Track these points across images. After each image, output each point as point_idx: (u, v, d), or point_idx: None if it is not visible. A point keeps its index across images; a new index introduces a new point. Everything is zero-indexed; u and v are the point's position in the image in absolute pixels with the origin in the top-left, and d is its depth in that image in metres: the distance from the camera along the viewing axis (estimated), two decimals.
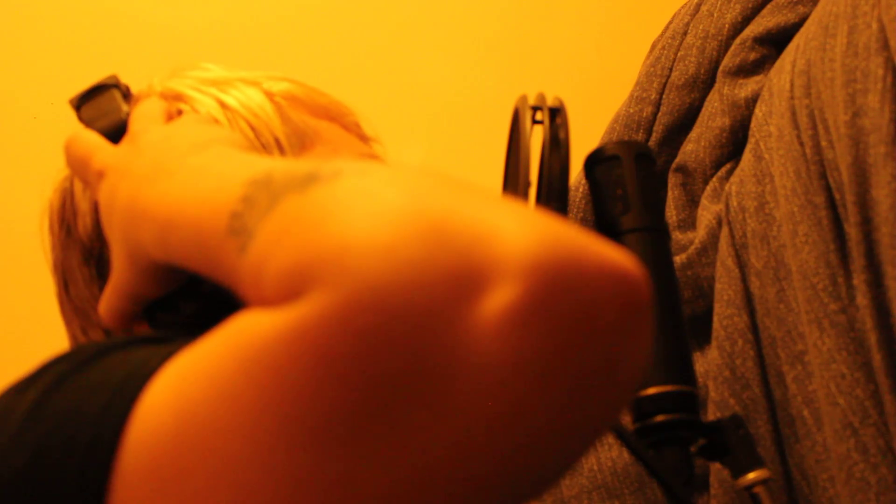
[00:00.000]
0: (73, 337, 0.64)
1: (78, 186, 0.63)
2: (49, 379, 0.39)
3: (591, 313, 0.30)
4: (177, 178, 0.46)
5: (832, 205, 0.69)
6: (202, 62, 0.68)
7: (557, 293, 0.30)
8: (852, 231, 0.66)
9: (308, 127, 0.64)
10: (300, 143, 0.63)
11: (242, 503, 0.31)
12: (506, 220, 0.32)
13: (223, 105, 0.62)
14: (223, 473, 0.31)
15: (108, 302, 0.54)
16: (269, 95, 0.64)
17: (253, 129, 0.61)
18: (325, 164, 0.35)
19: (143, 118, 0.57)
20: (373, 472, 0.30)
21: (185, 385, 0.33)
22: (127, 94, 0.62)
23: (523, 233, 0.31)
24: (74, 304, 0.63)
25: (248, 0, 1.53)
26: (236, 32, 1.48)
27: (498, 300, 0.30)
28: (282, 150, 0.61)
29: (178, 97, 0.63)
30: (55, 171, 0.66)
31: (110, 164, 0.53)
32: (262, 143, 0.61)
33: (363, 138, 0.69)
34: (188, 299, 0.51)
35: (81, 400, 0.37)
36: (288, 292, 0.31)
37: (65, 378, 0.39)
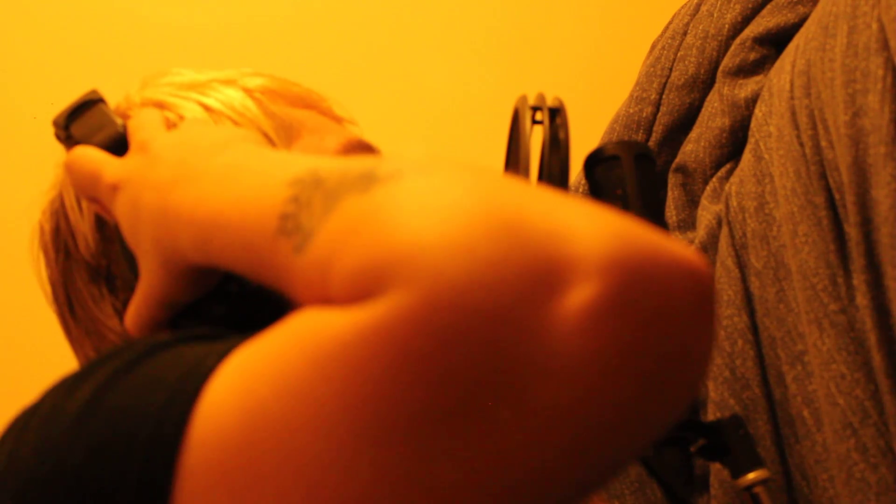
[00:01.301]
0: (84, 358, 0.63)
1: (71, 207, 0.62)
2: (101, 377, 0.38)
3: (667, 307, 0.31)
4: (209, 179, 0.46)
5: (832, 205, 0.69)
6: (173, 68, 0.67)
7: (635, 289, 0.31)
8: (852, 231, 0.66)
9: (292, 118, 0.64)
10: (287, 135, 0.63)
11: (320, 502, 0.31)
12: (577, 217, 0.32)
13: (207, 108, 0.62)
14: (299, 472, 0.31)
15: (138, 312, 0.53)
16: (249, 92, 0.64)
17: (239, 127, 0.61)
18: (381, 164, 0.36)
19: (147, 127, 0.56)
20: (453, 469, 0.30)
21: (251, 383, 0.33)
22: (109, 108, 0.61)
23: (597, 230, 0.32)
24: (84, 325, 0.63)
25: (247, 0, 1.53)
26: (236, 33, 1.49)
27: (577, 297, 0.30)
28: (272, 145, 0.61)
29: (160, 105, 0.62)
30: (55, 169, 0.65)
31: (125, 176, 0.52)
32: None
33: (339, 121, 0.69)
34: (217, 303, 0.51)
35: (138, 397, 0.37)
36: (360, 292, 0.31)
37: (118, 375, 0.38)
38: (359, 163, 0.37)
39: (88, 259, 0.61)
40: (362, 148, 0.65)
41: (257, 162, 0.45)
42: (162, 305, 0.52)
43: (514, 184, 0.34)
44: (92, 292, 0.62)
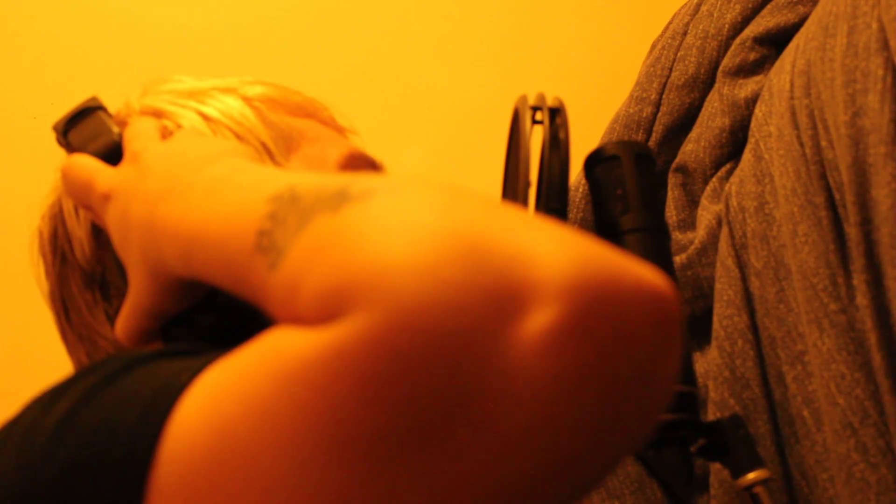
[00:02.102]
0: (78, 363, 0.63)
1: (69, 212, 0.62)
2: (77, 392, 0.39)
3: (629, 331, 0.31)
4: (196, 193, 0.46)
5: (832, 205, 0.69)
6: (173, 73, 0.67)
7: (596, 313, 0.31)
8: (852, 231, 0.65)
9: (291, 128, 0.64)
10: (286, 145, 0.62)
11: None
12: (541, 239, 0.32)
13: (205, 117, 0.62)
14: (263, 491, 0.31)
15: (127, 321, 0.53)
16: (248, 101, 0.64)
17: (238, 137, 0.61)
18: (355, 183, 0.36)
19: (140, 137, 0.56)
20: (416, 490, 0.30)
21: (220, 401, 0.34)
22: (109, 116, 0.61)
23: (559, 253, 0.32)
24: (78, 331, 0.63)
25: (247, 2, 1.53)
26: (236, 34, 1.48)
27: (538, 321, 0.30)
28: (270, 155, 0.61)
29: (159, 113, 0.62)
30: (56, 172, 0.65)
31: (116, 186, 0.52)
32: (250, 150, 0.60)
33: (340, 130, 0.69)
34: (205, 313, 0.51)
35: (112, 413, 0.37)
36: (325, 312, 0.32)
37: (94, 391, 0.38)
38: (335, 180, 0.37)
39: (84, 265, 0.62)
40: (363, 160, 0.65)
41: (242, 176, 0.45)
42: (150, 315, 0.52)
43: (483, 205, 0.34)
44: (86, 298, 0.62)
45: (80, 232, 0.62)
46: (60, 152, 0.63)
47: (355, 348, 0.30)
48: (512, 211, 0.34)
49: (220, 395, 0.34)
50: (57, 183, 0.65)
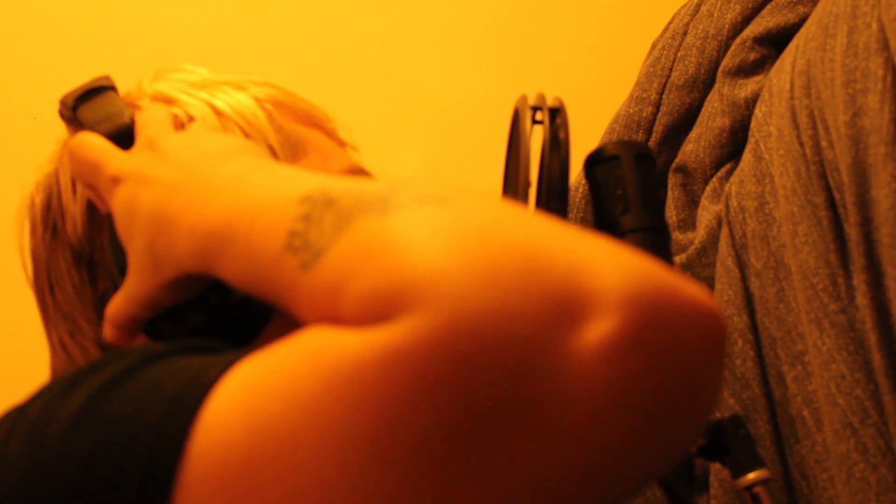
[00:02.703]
0: (58, 341, 0.62)
1: (66, 186, 0.61)
2: (95, 384, 0.38)
3: (683, 345, 0.32)
4: (215, 189, 0.45)
5: (832, 205, 0.69)
6: (185, 64, 0.67)
7: (653, 327, 0.31)
8: (852, 231, 0.65)
9: (299, 135, 0.63)
10: (292, 152, 0.62)
11: None
12: (598, 253, 0.33)
13: (216, 110, 0.61)
14: (303, 490, 0.31)
15: (120, 308, 0.52)
16: (259, 101, 0.63)
17: (246, 135, 0.60)
18: (400, 188, 0.36)
19: (155, 124, 0.55)
20: (462, 495, 0.30)
21: (258, 398, 0.33)
22: (119, 96, 0.61)
23: (616, 266, 0.32)
24: (62, 308, 0.62)
25: (247, 2, 1.53)
26: (236, 34, 1.49)
27: (596, 331, 0.31)
28: (276, 159, 0.60)
29: (169, 101, 0.62)
30: (54, 144, 0.64)
31: (127, 171, 0.52)
32: None
33: (341, 145, 0.68)
34: (196, 310, 0.51)
35: (136, 407, 0.36)
36: (375, 314, 0.32)
37: (113, 384, 0.38)
38: (374, 186, 0.37)
39: (74, 242, 0.61)
40: (362, 175, 0.65)
41: (264, 176, 0.45)
42: (146, 304, 0.51)
43: (535, 217, 0.35)
44: (73, 276, 0.61)
45: (74, 208, 0.61)
46: (61, 132, 0.63)
47: (411, 350, 0.30)
48: (563, 225, 0.35)
49: (259, 393, 0.33)
50: (56, 154, 0.64)
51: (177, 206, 0.47)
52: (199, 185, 0.46)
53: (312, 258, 0.36)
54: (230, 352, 0.37)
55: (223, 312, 0.50)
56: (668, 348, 0.31)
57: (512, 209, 0.35)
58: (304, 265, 0.36)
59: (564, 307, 0.31)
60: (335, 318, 0.33)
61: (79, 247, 0.61)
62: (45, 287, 0.63)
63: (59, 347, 0.62)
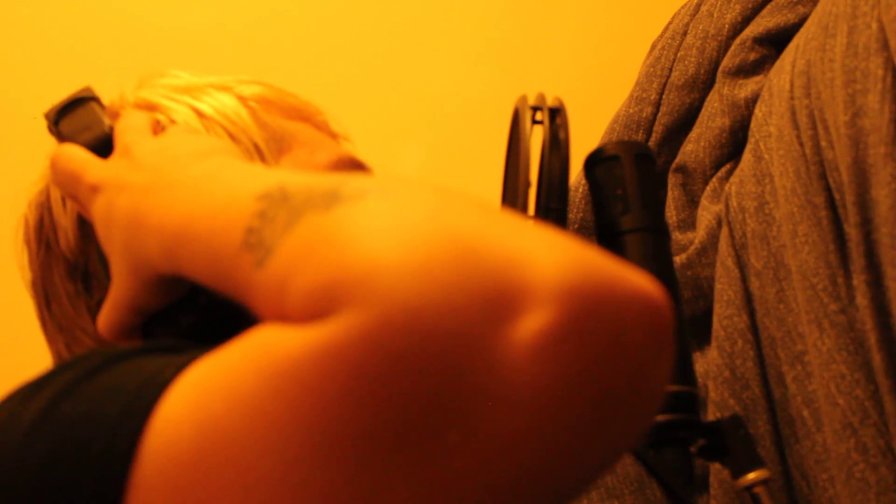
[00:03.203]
0: (57, 354, 0.63)
1: (56, 201, 0.62)
2: (58, 386, 0.38)
3: (621, 337, 0.31)
4: (182, 189, 0.46)
5: (832, 205, 0.69)
6: (170, 69, 0.67)
7: (589, 318, 0.31)
8: (852, 231, 0.65)
9: (284, 130, 0.63)
10: (278, 147, 0.62)
11: None
12: (535, 243, 0.32)
13: (199, 113, 0.62)
14: (250, 489, 0.31)
15: (108, 315, 0.53)
16: (243, 100, 0.64)
17: (230, 136, 0.61)
18: (347, 183, 0.36)
19: (132, 131, 0.56)
20: (403, 491, 0.30)
21: (205, 398, 0.33)
22: (102, 107, 0.61)
23: (553, 257, 0.32)
24: (58, 321, 0.62)
25: (247, 2, 1.53)
26: (236, 34, 1.49)
27: (531, 324, 0.30)
28: (261, 156, 0.61)
29: (152, 107, 0.62)
30: (44, 160, 0.65)
31: (104, 179, 0.52)
32: (241, 149, 0.60)
33: (333, 136, 0.68)
34: (186, 311, 0.51)
35: (94, 407, 0.37)
36: (315, 310, 0.31)
37: (75, 385, 0.38)
38: (326, 180, 0.37)
39: (67, 255, 0.61)
40: (353, 165, 0.65)
41: (230, 174, 0.45)
42: (131, 310, 0.52)
43: (475, 208, 0.34)
44: (68, 289, 0.62)
45: (65, 222, 0.61)
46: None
47: (346, 346, 0.30)
48: (505, 214, 0.35)
49: (206, 392, 0.34)
50: (45, 171, 0.64)
51: (147, 209, 0.47)
52: (167, 187, 0.47)
53: (264, 256, 0.36)
54: (195, 351, 0.37)
55: (214, 310, 0.50)
56: (606, 341, 0.31)
57: (454, 200, 0.35)
58: (257, 263, 0.36)
59: (497, 301, 0.30)
60: (285, 316, 0.33)
61: (72, 259, 0.61)
62: (43, 302, 0.64)
63: (58, 361, 0.63)
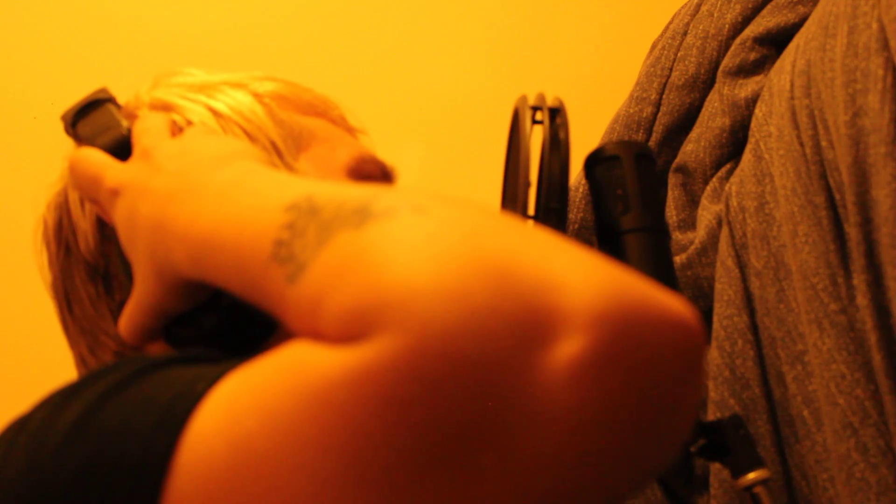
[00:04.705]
0: (79, 357, 0.63)
1: (74, 203, 0.62)
2: (91, 395, 0.38)
3: (656, 363, 0.31)
4: (208, 196, 0.45)
5: (832, 205, 0.69)
6: (184, 67, 0.67)
7: (624, 344, 0.31)
8: (852, 231, 0.65)
9: (302, 127, 0.63)
10: (296, 144, 0.62)
11: None
12: (570, 266, 0.32)
13: (215, 112, 0.61)
14: None
15: (130, 318, 0.53)
16: (258, 97, 0.63)
17: (247, 134, 0.60)
18: (377, 198, 0.36)
19: (150, 133, 0.56)
20: None
21: (238, 414, 0.33)
22: (118, 107, 0.61)
23: (588, 281, 0.32)
24: (80, 324, 0.62)
25: (248, 2, 1.53)
26: (237, 34, 1.48)
27: (566, 350, 0.30)
28: (279, 154, 0.60)
29: (168, 107, 0.62)
30: (55, 172, 0.65)
31: (125, 182, 0.52)
32: (259, 148, 0.59)
33: (350, 131, 0.68)
34: (208, 313, 0.51)
35: (127, 419, 0.36)
36: (349, 332, 0.31)
37: (108, 395, 0.38)
38: (355, 193, 0.37)
39: (87, 257, 0.61)
40: (373, 162, 0.65)
41: (255, 181, 0.44)
42: (154, 313, 0.52)
43: (510, 227, 0.34)
44: (89, 291, 0.61)
45: (85, 224, 0.61)
46: (62, 150, 0.63)
47: (380, 371, 0.30)
48: (540, 234, 0.34)
49: (239, 408, 0.34)
50: (63, 172, 0.64)
51: (172, 215, 0.47)
52: (192, 193, 0.47)
53: (297, 271, 0.36)
54: (225, 362, 0.37)
55: (236, 313, 0.50)
56: (640, 365, 0.31)
57: (489, 218, 0.35)
58: (289, 278, 0.36)
59: (533, 326, 0.30)
60: (318, 334, 0.33)
61: (92, 261, 0.61)
62: (64, 305, 0.63)
63: (80, 363, 0.63)
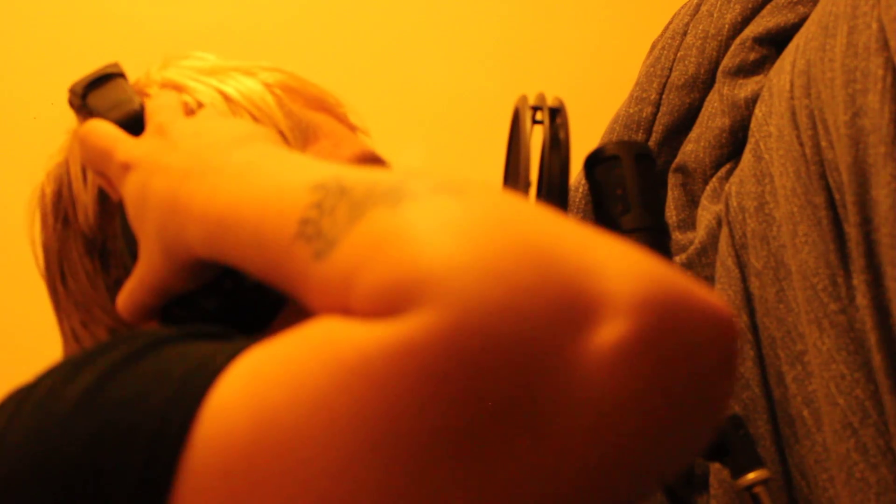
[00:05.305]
0: (70, 331, 0.62)
1: (76, 175, 0.61)
2: (102, 366, 0.38)
3: (695, 353, 0.32)
4: (226, 175, 0.45)
5: (832, 205, 0.69)
6: (195, 52, 0.67)
7: (666, 332, 0.31)
8: (852, 231, 0.65)
9: (309, 120, 0.63)
10: (303, 137, 0.62)
11: None
12: (612, 254, 0.32)
13: (225, 96, 0.61)
14: (305, 482, 0.31)
15: (131, 295, 0.52)
16: (268, 87, 0.63)
17: (256, 121, 0.60)
18: (413, 179, 0.35)
19: (165, 110, 0.55)
20: (465, 493, 0.30)
21: (264, 388, 0.33)
22: (129, 84, 0.60)
23: (630, 269, 0.32)
24: (74, 297, 0.61)
25: (248, 1, 1.53)
26: (237, 33, 1.48)
27: (608, 334, 0.30)
28: (287, 144, 0.60)
29: (179, 87, 0.61)
30: (64, 134, 0.64)
31: (138, 157, 0.51)
32: None
33: (352, 129, 0.68)
34: (209, 295, 0.51)
35: (142, 390, 0.36)
36: (386, 307, 0.31)
37: (120, 366, 0.38)
38: (387, 175, 0.37)
39: (86, 231, 0.60)
40: (374, 161, 0.64)
41: (276, 163, 0.44)
42: (157, 292, 0.51)
43: (549, 214, 0.34)
44: (86, 265, 0.61)
45: (85, 197, 0.60)
46: (63, 137, 0.63)
47: (420, 346, 0.30)
48: (577, 224, 0.34)
49: (265, 382, 0.33)
50: (65, 144, 0.64)
51: (187, 193, 0.46)
52: (209, 172, 0.46)
53: (326, 248, 0.35)
54: (239, 339, 0.37)
55: (237, 297, 0.50)
56: (679, 353, 0.31)
57: (525, 205, 0.35)
58: (316, 255, 0.36)
59: (575, 308, 0.30)
60: (346, 310, 0.33)
61: (91, 235, 0.61)
62: (58, 277, 0.63)
63: (70, 337, 0.62)
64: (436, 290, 0.30)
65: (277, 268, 0.39)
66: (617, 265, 0.32)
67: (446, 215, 0.33)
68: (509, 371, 0.30)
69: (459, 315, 0.30)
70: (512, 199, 0.35)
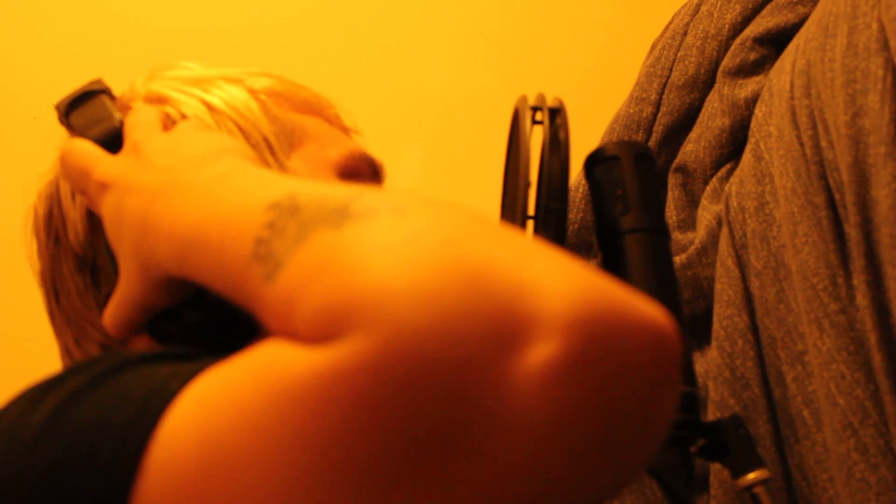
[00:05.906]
0: (64, 348, 0.63)
1: (65, 193, 0.62)
2: (65, 391, 0.38)
3: (630, 369, 0.31)
4: (193, 193, 0.45)
5: (832, 205, 0.69)
6: (181, 61, 0.67)
7: (598, 349, 0.30)
8: (852, 231, 0.66)
9: (295, 125, 0.63)
10: (289, 141, 0.62)
11: None
12: (546, 271, 0.32)
13: (209, 107, 0.61)
14: None
15: (115, 312, 0.53)
16: (253, 93, 0.63)
17: (241, 130, 0.60)
18: (357, 198, 0.35)
19: (141, 127, 0.56)
20: None
21: (210, 413, 0.33)
22: (113, 99, 0.61)
23: (563, 286, 0.31)
24: (67, 314, 0.62)
25: (248, 1, 1.53)
26: (236, 33, 1.49)
27: (537, 355, 0.30)
28: (271, 150, 0.60)
29: (163, 100, 0.62)
30: (55, 151, 0.65)
31: (113, 177, 0.52)
32: (252, 143, 0.60)
33: (345, 130, 0.68)
34: (193, 309, 0.51)
35: (100, 415, 0.36)
36: (322, 331, 0.31)
37: (82, 391, 0.38)
38: (337, 192, 0.37)
39: (76, 248, 0.61)
40: (364, 160, 0.65)
41: (242, 179, 0.44)
42: (138, 308, 0.52)
43: (489, 231, 0.34)
44: (76, 282, 0.61)
45: (75, 215, 0.61)
46: (60, 151, 0.63)
47: (351, 372, 0.30)
48: (517, 238, 0.34)
49: (211, 407, 0.33)
50: (56, 162, 0.64)
51: (158, 212, 0.47)
52: (179, 191, 0.46)
53: (273, 270, 0.35)
54: (204, 359, 0.37)
55: (222, 309, 0.50)
56: (613, 372, 0.30)
57: (468, 222, 0.34)
58: (266, 277, 0.36)
59: (506, 330, 0.30)
60: (293, 333, 0.33)
61: (81, 252, 0.61)
62: (52, 295, 0.63)
63: (65, 354, 0.63)
64: (367, 315, 0.30)
65: (237, 288, 0.39)
66: (552, 283, 0.31)
67: (383, 238, 0.33)
68: (440, 396, 0.29)
69: (388, 340, 0.30)
70: (455, 217, 0.34)
